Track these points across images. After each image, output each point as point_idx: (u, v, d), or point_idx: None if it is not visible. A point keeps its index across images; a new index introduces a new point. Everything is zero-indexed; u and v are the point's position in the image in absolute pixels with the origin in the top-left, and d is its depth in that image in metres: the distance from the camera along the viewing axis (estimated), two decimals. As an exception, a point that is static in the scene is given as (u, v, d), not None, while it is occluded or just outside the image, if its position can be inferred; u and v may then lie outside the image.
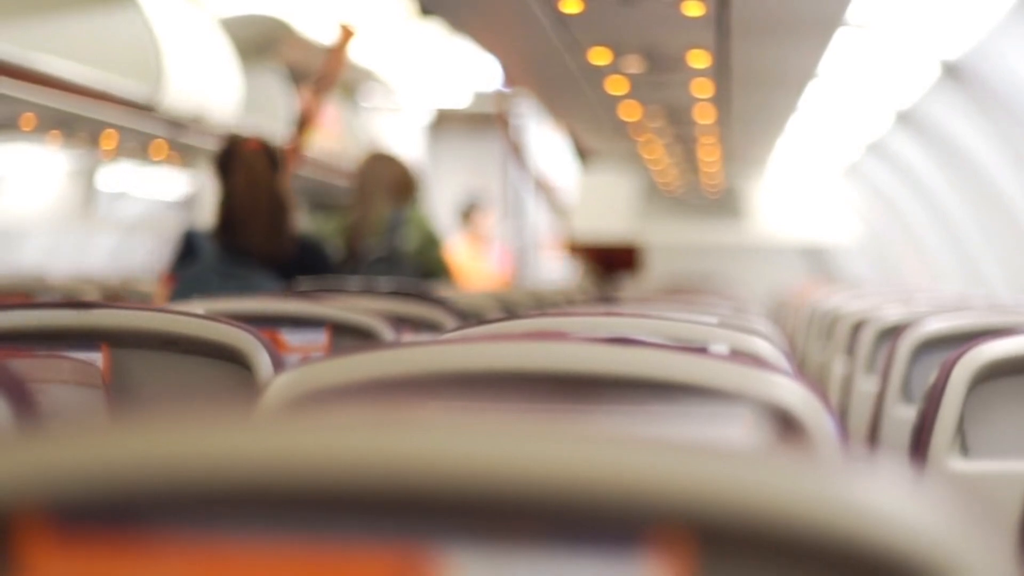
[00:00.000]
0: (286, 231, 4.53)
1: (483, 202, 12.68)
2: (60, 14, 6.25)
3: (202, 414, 0.80)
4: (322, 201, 11.41)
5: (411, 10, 9.91)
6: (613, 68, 6.50)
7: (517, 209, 15.28)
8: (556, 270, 15.43)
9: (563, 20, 5.44)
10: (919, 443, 2.45)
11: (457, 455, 0.77)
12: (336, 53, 8.00)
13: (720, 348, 1.85)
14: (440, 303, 3.42)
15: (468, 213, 12.49)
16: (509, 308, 4.46)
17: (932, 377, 2.48)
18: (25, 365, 2.09)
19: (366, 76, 11.24)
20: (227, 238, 4.48)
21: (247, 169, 4.52)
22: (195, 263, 4.56)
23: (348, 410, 0.80)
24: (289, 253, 4.55)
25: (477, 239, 12.47)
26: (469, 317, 3.33)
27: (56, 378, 2.15)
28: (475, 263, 12.10)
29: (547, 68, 6.79)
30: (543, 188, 14.12)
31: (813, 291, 8.70)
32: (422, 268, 5.91)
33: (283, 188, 4.57)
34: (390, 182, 5.96)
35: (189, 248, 4.66)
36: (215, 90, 7.26)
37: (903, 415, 3.16)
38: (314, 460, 0.78)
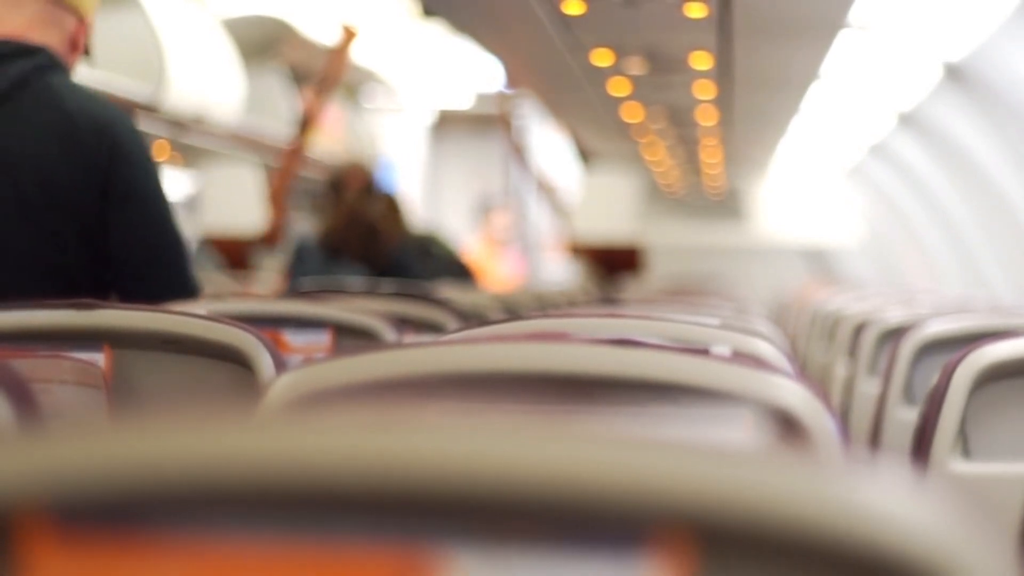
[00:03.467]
0: (378, 247, 5.83)
1: (498, 204, 12.71)
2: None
3: (204, 414, 0.80)
4: (324, 202, 11.40)
5: (413, 11, 9.91)
6: (615, 69, 6.50)
7: (519, 210, 15.27)
8: (558, 271, 15.43)
9: (565, 21, 5.44)
10: (921, 445, 2.45)
11: (459, 456, 0.77)
12: (338, 54, 8.00)
13: (722, 350, 1.85)
14: (442, 304, 3.42)
15: (484, 214, 12.52)
16: (511, 309, 4.46)
17: (934, 379, 2.48)
18: (26, 365, 2.09)
19: (368, 77, 11.24)
20: (329, 249, 5.86)
21: (349, 198, 5.85)
22: (304, 266, 5.98)
23: (350, 411, 0.80)
24: (382, 263, 5.83)
25: (492, 241, 12.49)
26: (471, 318, 3.33)
27: (57, 378, 2.15)
28: (490, 264, 12.11)
29: (549, 69, 6.80)
30: (545, 189, 14.12)
31: (815, 292, 8.70)
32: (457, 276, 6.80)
33: (377, 211, 5.89)
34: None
35: (300, 255, 6.12)
36: (217, 90, 7.25)
37: (905, 417, 3.16)
38: (316, 461, 0.78)
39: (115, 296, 2.88)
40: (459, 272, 6.77)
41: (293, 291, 5.07)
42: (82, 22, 2.99)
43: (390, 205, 6.03)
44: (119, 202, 2.85)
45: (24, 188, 2.80)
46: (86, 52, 3.03)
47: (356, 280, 5.70)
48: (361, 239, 5.85)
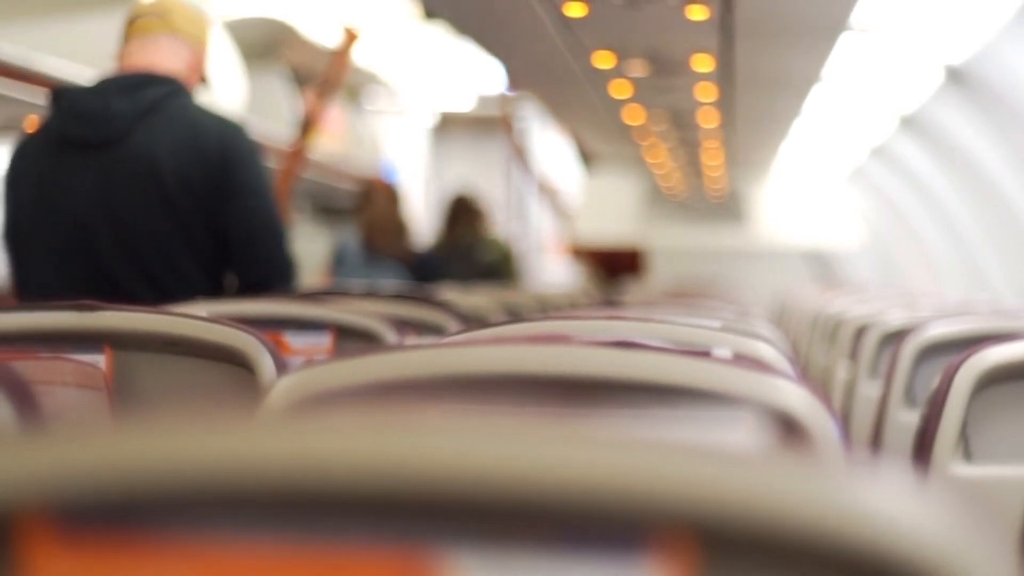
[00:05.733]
0: (405, 245, 7.01)
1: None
2: (63, 16, 6.26)
3: (205, 416, 0.80)
4: (326, 204, 11.42)
5: (415, 13, 9.91)
6: (617, 72, 6.50)
7: (521, 212, 15.27)
8: (560, 273, 15.43)
9: (567, 24, 5.44)
10: (922, 448, 2.45)
11: (460, 458, 0.77)
12: (340, 56, 8.00)
13: (723, 352, 1.85)
14: (443, 306, 3.42)
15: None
16: (512, 311, 4.46)
17: (935, 382, 2.48)
18: (28, 367, 2.09)
19: (370, 79, 11.24)
20: (366, 249, 7.00)
21: (378, 204, 7.02)
22: (344, 268, 7.01)
23: (351, 413, 0.80)
24: (411, 259, 6.95)
25: None
26: (472, 320, 3.33)
27: (59, 380, 2.15)
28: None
29: (551, 72, 6.80)
30: (547, 191, 14.12)
31: (817, 295, 8.70)
32: (499, 275, 7.89)
33: (402, 215, 7.07)
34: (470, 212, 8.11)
35: (341, 257, 7.10)
36: (219, 92, 7.25)
37: (906, 420, 3.16)
38: (317, 463, 0.78)
39: (231, 270, 3.62)
40: (497, 275, 7.73)
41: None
42: (198, 55, 3.72)
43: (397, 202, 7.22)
44: (234, 197, 3.57)
45: (166, 188, 3.52)
46: (203, 78, 3.75)
47: (392, 281, 6.74)
48: (395, 237, 7.00)
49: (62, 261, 3.53)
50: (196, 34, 3.71)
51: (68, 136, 3.56)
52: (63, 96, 3.62)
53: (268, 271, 3.64)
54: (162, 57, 3.65)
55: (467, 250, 7.93)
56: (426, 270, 6.98)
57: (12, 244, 3.62)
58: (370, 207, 7.07)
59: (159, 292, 3.48)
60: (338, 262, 7.15)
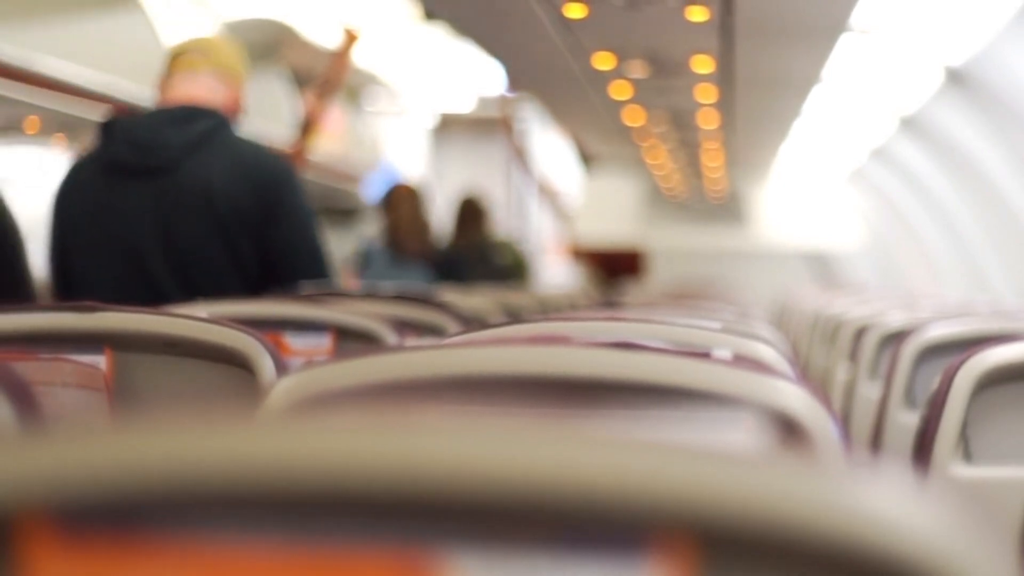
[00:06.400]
0: (429, 245, 7.36)
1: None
2: (64, 17, 6.26)
3: (205, 417, 0.80)
4: (326, 205, 11.42)
5: (415, 14, 9.91)
6: (617, 73, 6.50)
7: (521, 213, 15.28)
8: (560, 274, 15.43)
9: (567, 25, 5.44)
10: (922, 449, 2.45)
11: (460, 459, 0.77)
12: (340, 57, 8.01)
13: (723, 353, 1.85)
14: (443, 307, 3.42)
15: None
16: (512, 312, 4.46)
17: (935, 383, 2.48)
18: (28, 368, 2.09)
19: (370, 80, 11.25)
20: (392, 249, 7.32)
21: (402, 206, 7.36)
22: (371, 267, 7.33)
23: (351, 414, 0.81)
24: (435, 259, 7.30)
25: None
26: (472, 321, 3.33)
27: (59, 381, 2.15)
28: None
29: (551, 73, 6.80)
30: (547, 192, 14.13)
31: (817, 296, 8.70)
32: (513, 276, 8.20)
33: (426, 216, 7.43)
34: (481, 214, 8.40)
35: (367, 258, 7.39)
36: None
37: (906, 421, 3.15)
38: (317, 464, 0.78)
39: (274, 285, 3.89)
40: (511, 277, 8.03)
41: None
42: (237, 88, 4.03)
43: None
44: (281, 221, 3.90)
45: (218, 213, 3.84)
46: (241, 109, 4.06)
47: (418, 282, 6.96)
48: (420, 238, 7.31)
49: (114, 280, 3.82)
50: (236, 69, 4.03)
51: (122, 163, 3.84)
52: (116, 125, 3.90)
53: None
54: (205, 91, 3.96)
55: (481, 252, 8.17)
56: (451, 269, 7.29)
57: (60, 263, 3.89)
58: (395, 210, 7.38)
59: None
60: (365, 264, 7.42)
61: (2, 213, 3.19)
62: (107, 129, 3.90)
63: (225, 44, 4.13)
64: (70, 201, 3.88)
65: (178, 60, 4.00)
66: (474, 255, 8.05)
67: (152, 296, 3.73)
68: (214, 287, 3.79)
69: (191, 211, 3.84)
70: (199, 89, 3.96)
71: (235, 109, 4.03)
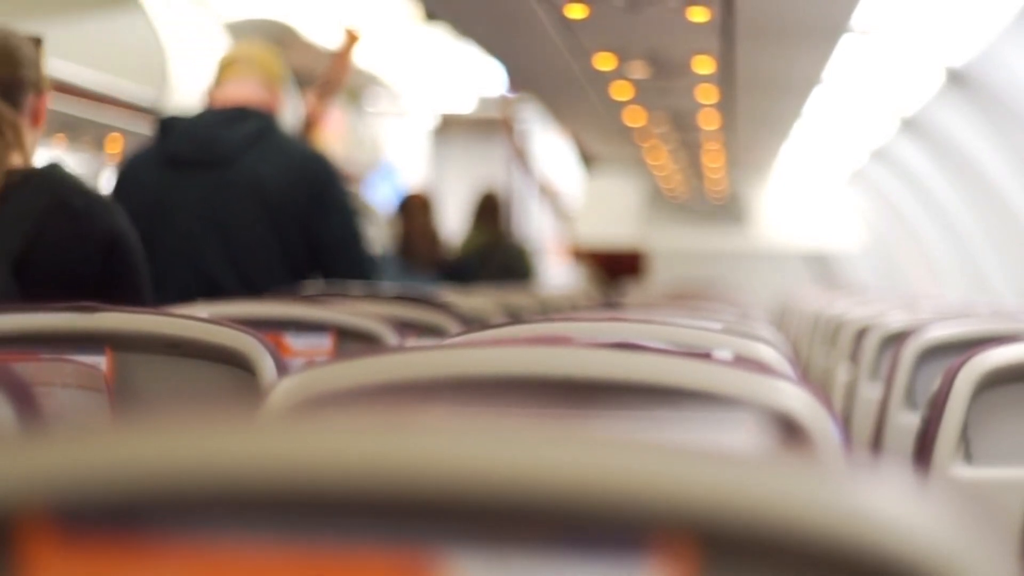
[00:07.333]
0: (439, 253, 7.59)
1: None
2: (64, 17, 6.26)
3: (205, 418, 0.80)
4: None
5: (416, 15, 9.91)
6: (618, 73, 6.50)
7: (521, 214, 15.27)
8: (560, 275, 15.43)
9: (568, 25, 5.44)
10: (923, 450, 2.45)
11: (460, 459, 0.77)
12: (341, 57, 7.99)
13: (724, 354, 1.85)
14: (444, 308, 3.41)
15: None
16: (513, 313, 4.46)
17: (936, 384, 2.48)
18: (29, 368, 2.09)
19: (371, 80, 11.25)
20: (403, 258, 7.52)
21: (417, 216, 7.58)
22: (384, 275, 7.22)
23: (352, 415, 0.80)
24: (445, 267, 7.51)
25: None
26: (473, 322, 3.32)
27: (59, 381, 2.15)
28: None
29: (552, 73, 6.80)
30: (547, 193, 14.12)
31: (817, 297, 8.70)
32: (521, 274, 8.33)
33: (435, 224, 7.65)
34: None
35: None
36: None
37: (907, 422, 3.15)
38: (317, 464, 0.78)
39: (320, 274, 4.21)
40: (516, 276, 8.15)
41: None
42: (278, 92, 4.41)
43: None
44: (325, 213, 4.19)
45: (270, 205, 4.14)
46: (280, 109, 4.41)
47: (428, 286, 7.04)
48: (430, 247, 7.54)
49: (170, 266, 4.05)
50: (277, 75, 4.42)
51: (181, 157, 4.15)
52: (173, 123, 4.23)
53: (355, 272, 4.26)
54: (252, 94, 4.32)
55: (499, 245, 8.39)
56: (460, 275, 7.44)
57: None
58: (410, 220, 7.64)
59: (254, 293, 3.91)
60: None
61: (124, 232, 2.99)
62: (164, 126, 4.20)
63: (268, 52, 4.49)
64: (128, 194, 4.03)
65: (228, 68, 4.35)
66: (491, 249, 8.22)
67: (207, 287, 3.97)
68: (266, 279, 4.06)
69: (244, 203, 4.12)
70: (247, 92, 4.30)
71: (276, 108, 4.38)
